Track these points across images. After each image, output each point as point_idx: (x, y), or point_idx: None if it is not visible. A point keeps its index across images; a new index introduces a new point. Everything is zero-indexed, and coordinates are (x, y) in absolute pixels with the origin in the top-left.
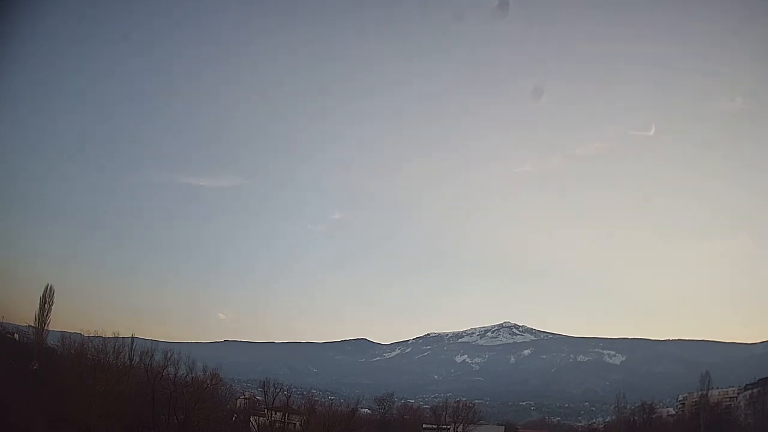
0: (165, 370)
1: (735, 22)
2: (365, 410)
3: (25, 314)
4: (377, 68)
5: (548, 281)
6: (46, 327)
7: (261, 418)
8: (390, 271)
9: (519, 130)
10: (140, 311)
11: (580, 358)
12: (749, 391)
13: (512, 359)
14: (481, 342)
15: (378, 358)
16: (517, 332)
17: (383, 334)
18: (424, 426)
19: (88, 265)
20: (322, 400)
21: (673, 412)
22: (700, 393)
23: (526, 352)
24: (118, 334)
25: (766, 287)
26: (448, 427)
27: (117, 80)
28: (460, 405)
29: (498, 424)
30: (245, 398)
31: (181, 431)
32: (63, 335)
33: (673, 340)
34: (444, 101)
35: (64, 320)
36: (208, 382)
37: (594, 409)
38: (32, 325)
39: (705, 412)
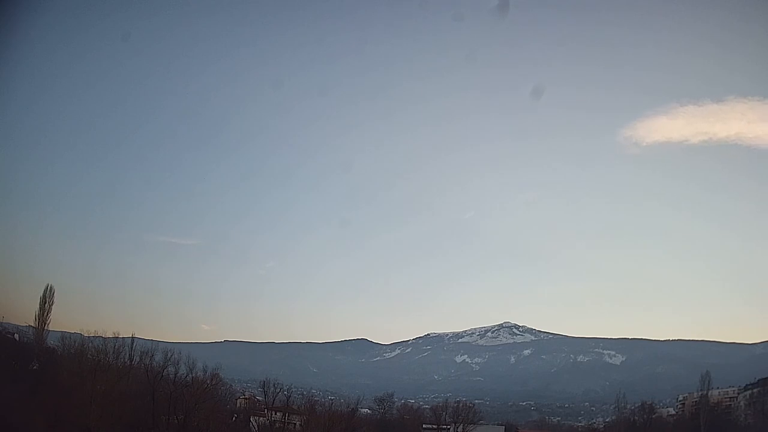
0: (165, 370)
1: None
2: (365, 410)
3: (25, 314)
4: (377, 70)
5: (548, 281)
6: (46, 327)
7: (261, 418)
8: (390, 271)
9: (520, 133)
10: (140, 311)
11: (580, 358)
12: (749, 392)
13: (512, 359)
14: (481, 342)
15: (378, 358)
16: (517, 332)
17: (383, 334)
18: (424, 426)
19: (88, 265)
20: (322, 400)
21: (673, 412)
22: (700, 393)
23: (526, 352)
24: (118, 334)
25: (766, 287)
26: (448, 427)
27: (120, 77)
28: (460, 405)
29: (498, 425)
30: (245, 398)
31: (181, 431)
32: (63, 335)
33: (673, 340)
34: (443, 103)
35: (64, 320)
36: (208, 382)
37: (594, 409)
38: (32, 325)
39: (705, 412)
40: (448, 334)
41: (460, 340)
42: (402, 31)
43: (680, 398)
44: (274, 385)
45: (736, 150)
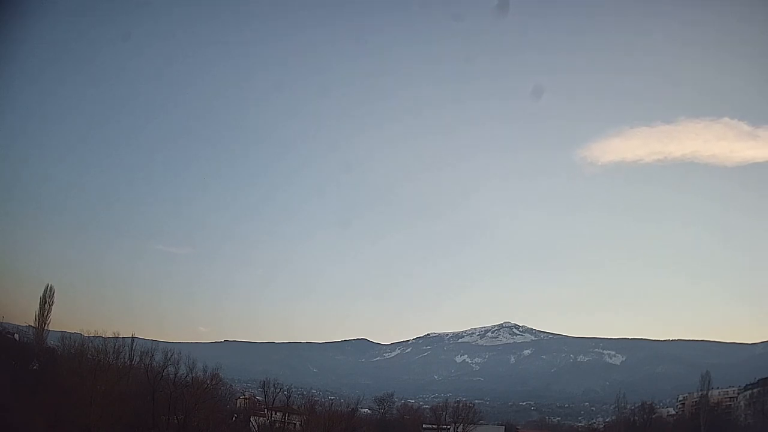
0: (165, 370)
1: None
2: (365, 410)
3: (25, 314)
4: (377, 72)
5: (548, 281)
6: (46, 327)
7: (261, 418)
8: (390, 271)
9: (520, 131)
10: (140, 311)
11: (580, 358)
12: (749, 391)
13: (512, 359)
14: (481, 342)
15: (378, 358)
16: (517, 332)
17: (383, 334)
18: (424, 426)
19: (88, 265)
20: (322, 400)
21: (673, 412)
22: (700, 393)
23: (526, 352)
24: (118, 334)
25: (766, 287)
26: (448, 427)
27: (120, 80)
28: (460, 405)
29: (498, 424)
30: (245, 398)
31: (181, 431)
32: (63, 335)
33: (673, 340)
34: (439, 109)
35: (64, 320)
36: (208, 382)
37: (594, 409)
38: (32, 325)
39: (705, 412)
40: (448, 334)
41: (460, 340)
42: (402, 33)
43: (680, 398)
44: (274, 385)
45: (695, 167)
